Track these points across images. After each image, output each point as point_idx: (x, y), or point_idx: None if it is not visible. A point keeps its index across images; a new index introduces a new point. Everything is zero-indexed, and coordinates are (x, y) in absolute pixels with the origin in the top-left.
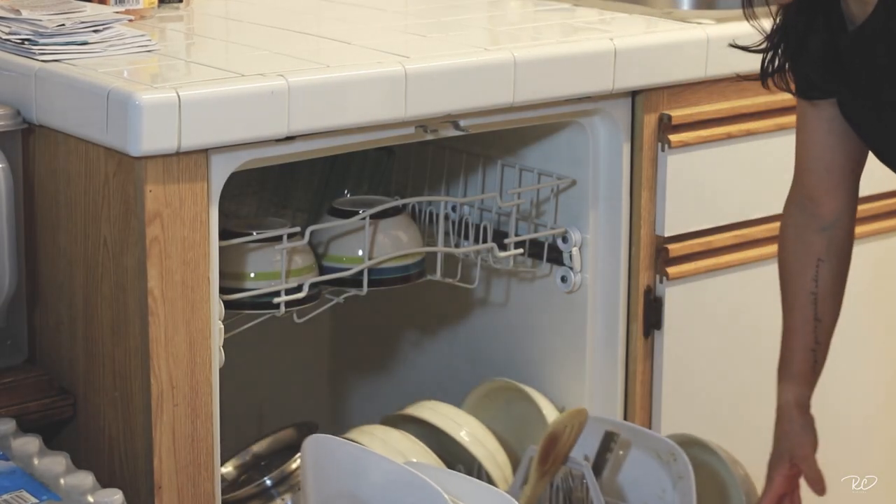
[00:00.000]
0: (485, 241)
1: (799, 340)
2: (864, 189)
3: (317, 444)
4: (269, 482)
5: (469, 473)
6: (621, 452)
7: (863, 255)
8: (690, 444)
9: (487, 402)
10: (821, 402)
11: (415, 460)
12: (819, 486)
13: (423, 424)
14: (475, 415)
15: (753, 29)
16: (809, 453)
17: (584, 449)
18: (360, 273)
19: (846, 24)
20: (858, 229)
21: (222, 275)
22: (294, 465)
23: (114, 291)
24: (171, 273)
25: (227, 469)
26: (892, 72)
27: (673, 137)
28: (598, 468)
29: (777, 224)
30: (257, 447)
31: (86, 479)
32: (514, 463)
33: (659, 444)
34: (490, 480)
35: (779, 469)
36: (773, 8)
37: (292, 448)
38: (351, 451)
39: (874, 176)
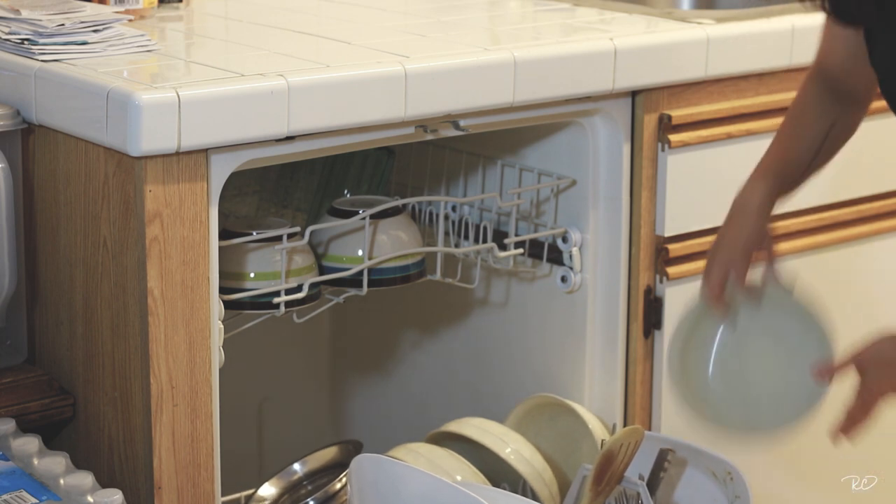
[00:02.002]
0: (485, 241)
1: (798, 157)
2: (864, 189)
3: (365, 464)
4: None
5: (514, 492)
6: (674, 471)
7: (862, 257)
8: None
9: (530, 419)
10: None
11: (459, 478)
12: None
13: (467, 441)
14: (519, 431)
15: (753, 29)
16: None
17: (639, 467)
18: (360, 273)
19: None
20: (851, 231)
21: (222, 275)
22: (338, 486)
23: (114, 291)
24: (171, 273)
25: (270, 490)
26: None
27: (673, 137)
28: (651, 486)
29: (778, 223)
30: (299, 466)
31: (85, 479)
32: (560, 479)
33: (715, 462)
34: (536, 498)
35: (722, 263)
36: None
37: (335, 467)
38: (401, 470)
39: (874, 176)
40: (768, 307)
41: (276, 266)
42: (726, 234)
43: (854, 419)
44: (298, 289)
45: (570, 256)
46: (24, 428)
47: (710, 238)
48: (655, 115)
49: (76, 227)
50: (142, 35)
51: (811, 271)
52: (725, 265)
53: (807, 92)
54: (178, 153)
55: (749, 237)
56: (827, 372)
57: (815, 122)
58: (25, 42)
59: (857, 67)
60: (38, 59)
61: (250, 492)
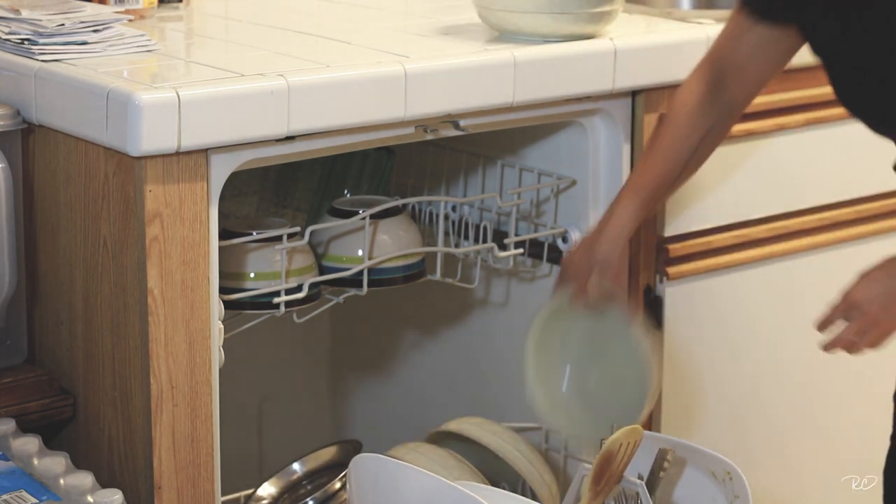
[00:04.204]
0: (485, 241)
1: (666, 167)
2: (864, 189)
3: (365, 464)
4: None
5: (514, 492)
6: (673, 471)
7: (863, 256)
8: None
9: None
10: (821, 403)
11: (458, 478)
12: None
13: (467, 441)
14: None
15: None
16: (620, 273)
17: (637, 467)
18: (360, 273)
19: None
20: (851, 231)
21: (222, 275)
22: (338, 486)
23: (114, 291)
24: (171, 273)
25: (269, 490)
26: None
27: None
28: (651, 486)
29: (777, 224)
30: (298, 466)
31: (85, 479)
32: (559, 480)
33: (714, 462)
34: (536, 498)
35: (580, 273)
36: None
37: (335, 466)
38: (401, 470)
39: (874, 176)
40: (609, 328)
41: (276, 266)
42: (603, 244)
43: (852, 347)
44: (298, 289)
45: None
46: (24, 428)
47: (710, 238)
48: (655, 115)
49: (76, 227)
50: (142, 35)
51: (811, 271)
52: (590, 268)
53: (686, 96)
54: (177, 153)
55: (623, 250)
56: (824, 323)
57: (690, 133)
58: (25, 42)
59: (752, 65)
60: (38, 59)
61: (250, 492)
